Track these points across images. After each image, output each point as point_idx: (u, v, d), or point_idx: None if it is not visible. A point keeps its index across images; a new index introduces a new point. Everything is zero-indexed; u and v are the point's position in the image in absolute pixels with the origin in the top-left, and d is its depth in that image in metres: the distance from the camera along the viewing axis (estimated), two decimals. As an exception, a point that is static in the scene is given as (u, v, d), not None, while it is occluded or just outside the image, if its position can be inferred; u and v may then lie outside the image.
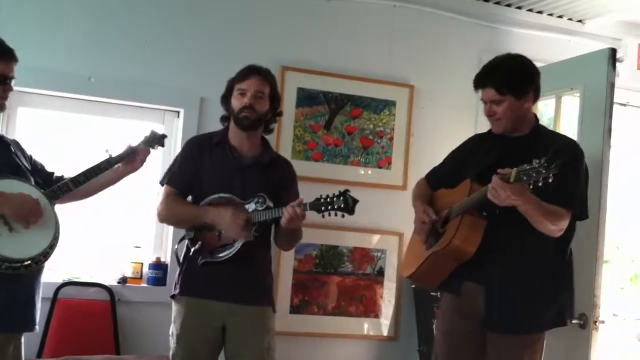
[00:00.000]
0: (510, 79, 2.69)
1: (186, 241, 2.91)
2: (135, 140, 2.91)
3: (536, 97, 2.78)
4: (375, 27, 3.96)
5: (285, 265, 3.71)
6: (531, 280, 2.67)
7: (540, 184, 2.33)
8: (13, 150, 2.61)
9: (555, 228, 2.58)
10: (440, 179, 3.01)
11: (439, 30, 4.04)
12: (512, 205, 2.47)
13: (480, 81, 2.76)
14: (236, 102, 2.91)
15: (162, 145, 2.98)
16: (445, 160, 3.09)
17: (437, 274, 2.82)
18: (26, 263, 2.34)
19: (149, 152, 2.89)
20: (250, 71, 2.93)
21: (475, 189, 2.66)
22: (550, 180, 2.32)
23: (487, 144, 2.86)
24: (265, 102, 2.93)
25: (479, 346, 2.76)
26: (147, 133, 2.94)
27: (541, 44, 4.15)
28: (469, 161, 2.87)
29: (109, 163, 2.67)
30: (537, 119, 2.85)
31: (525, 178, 2.34)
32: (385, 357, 3.88)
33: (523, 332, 2.69)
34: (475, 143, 2.97)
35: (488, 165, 2.66)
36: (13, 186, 2.40)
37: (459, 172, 2.87)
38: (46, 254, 2.39)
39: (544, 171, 2.29)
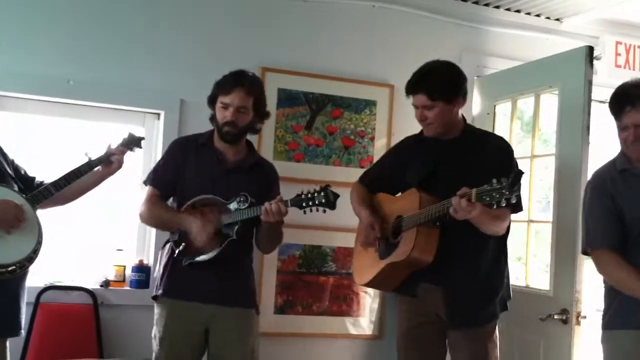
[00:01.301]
0: (441, 85, 2.80)
1: (170, 243, 2.91)
2: (114, 142, 2.91)
3: (464, 101, 2.90)
4: (355, 27, 3.98)
5: (268, 265, 3.71)
6: (482, 276, 2.81)
7: (503, 205, 2.40)
8: None
9: (501, 229, 2.76)
10: (378, 182, 3.09)
11: (419, 30, 4.06)
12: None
13: (412, 87, 2.85)
14: (219, 115, 2.90)
15: (140, 147, 2.98)
16: (380, 163, 3.19)
17: (393, 280, 2.95)
18: (11, 268, 2.33)
19: (125, 154, 2.88)
20: (235, 84, 2.87)
21: (425, 199, 2.75)
22: (513, 202, 2.40)
23: (423, 148, 2.96)
24: (248, 115, 2.92)
25: (438, 344, 2.92)
26: (125, 135, 2.94)
27: (520, 42, 4.19)
28: (407, 166, 2.96)
29: (89, 166, 2.67)
30: (465, 121, 2.96)
31: (487, 199, 2.42)
32: (370, 356, 3.90)
33: (482, 323, 2.83)
34: (410, 147, 3.05)
35: (429, 172, 2.84)
36: None
37: (397, 176, 2.98)
38: (30, 258, 2.38)
39: (507, 192, 2.37)
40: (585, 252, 2.75)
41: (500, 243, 2.86)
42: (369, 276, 3.00)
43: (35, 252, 2.40)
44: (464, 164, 2.78)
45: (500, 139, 3.05)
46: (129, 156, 2.95)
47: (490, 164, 2.65)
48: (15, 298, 2.44)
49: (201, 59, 3.60)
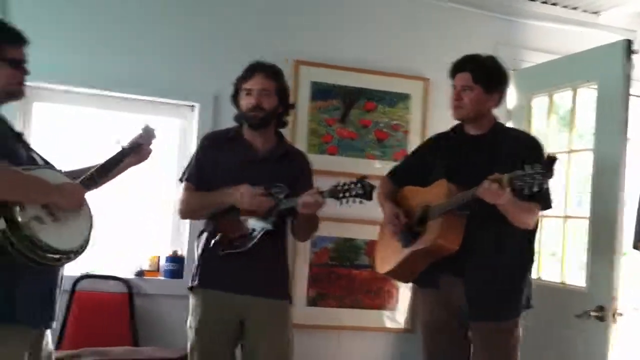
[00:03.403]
0: (487, 71, 2.88)
1: (205, 234, 2.93)
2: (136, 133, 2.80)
3: (500, 100, 2.93)
4: (389, 20, 3.96)
5: (301, 257, 3.72)
6: (506, 269, 2.80)
7: (535, 190, 2.41)
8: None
9: (530, 221, 2.75)
10: (405, 177, 3.11)
11: (454, 23, 4.03)
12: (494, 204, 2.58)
13: (459, 65, 2.92)
14: (244, 102, 2.93)
15: (155, 137, 2.83)
16: (408, 159, 3.25)
17: (414, 269, 2.95)
18: (72, 254, 2.30)
19: (150, 144, 2.76)
20: (255, 70, 2.94)
21: (452, 190, 2.76)
22: (545, 187, 2.42)
23: (451, 143, 2.99)
24: (272, 99, 2.94)
25: (461, 336, 2.90)
26: (143, 126, 2.79)
27: (556, 36, 4.13)
28: (434, 160, 2.98)
29: (123, 154, 2.65)
30: (495, 119, 2.97)
31: (520, 184, 2.43)
32: (402, 350, 3.89)
33: (505, 318, 2.81)
34: (438, 142, 3.09)
35: (456, 166, 2.85)
36: (49, 175, 2.34)
37: (424, 171, 2.99)
38: (86, 243, 2.36)
39: (540, 178, 2.38)
40: (636, 247, 2.73)
41: (527, 239, 2.85)
42: (390, 265, 3.00)
43: (90, 237, 2.39)
44: (492, 160, 2.78)
45: (530, 135, 3.04)
46: (154, 146, 2.89)
47: (519, 159, 2.61)
48: (57, 288, 2.41)
49: (235, 52, 3.60)
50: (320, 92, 3.82)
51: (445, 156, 2.95)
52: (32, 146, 2.49)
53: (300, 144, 3.67)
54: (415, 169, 3.08)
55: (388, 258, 3.04)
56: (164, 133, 2.81)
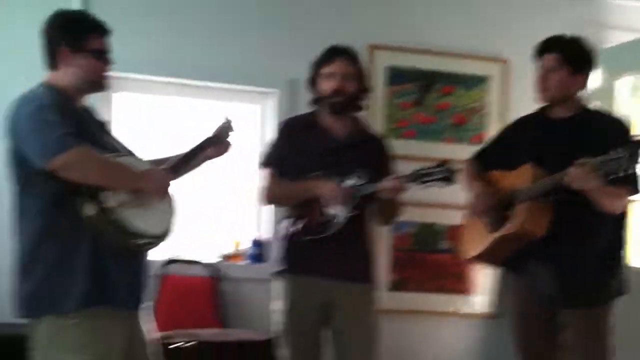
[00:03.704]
0: (574, 52, 2.81)
1: (289, 219, 2.96)
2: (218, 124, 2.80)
3: (585, 83, 2.84)
4: (465, 0, 3.91)
5: (383, 243, 3.70)
6: (596, 255, 2.74)
7: (622, 174, 2.38)
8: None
9: (618, 206, 2.68)
10: (490, 161, 3.05)
11: (535, 2, 3.94)
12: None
13: (544, 46, 2.85)
14: (325, 87, 2.93)
15: (233, 130, 2.81)
16: (492, 142, 3.17)
17: (501, 255, 2.91)
18: (156, 239, 2.34)
19: (229, 137, 2.75)
20: (335, 53, 2.94)
21: (538, 174, 2.72)
22: (633, 172, 2.38)
23: (536, 127, 2.92)
24: (353, 83, 2.94)
25: (551, 323, 2.85)
26: (224, 119, 2.78)
27: (642, 14, 3.98)
28: (518, 144, 2.93)
29: (203, 145, 2.69)
30: (581, 102, 2.89)
31: (606, 169, 2.39)
32: (486, 335, 3.86)
33: (596, 304, 2.77)
34: (523, 125, 3.03)
35: (541, 150, 2.80)
36: (134, 162, 2.39)
37: (508, 154, 2.94)
38: (170, 229, 2.40)
39: (625, 163, 2.35)
40: None
41: (617, 225, 2.78)
42: (477, 250, 2.97)
43: (174, 222, 2.43)
44: (578, 144, 2.72)
45: (619, 118, 2.94)
46: (234, 137, 2.84)
47: (606, 142, 2.56)
48: (140, 272, 2.42)
49: (312, 37, 3.60)
50: (396, 76, 3.81)
51: (531, 140, 2.90)
52: (115, 135, 2.54)
53: (376, 129, 3.66)
54: (500, 152, 3.04)
55: (474, 243, 3.01)
56: (243, 119, 2.83)
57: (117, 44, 2.48)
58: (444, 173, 2.73)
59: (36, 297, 2.24)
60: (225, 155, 2.76)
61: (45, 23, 2.37)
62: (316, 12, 3.75)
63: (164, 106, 3.74)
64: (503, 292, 3.76)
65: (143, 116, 3.69)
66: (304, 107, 3.35)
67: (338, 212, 2.86)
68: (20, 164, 2.24)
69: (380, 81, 3.77)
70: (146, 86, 3.65)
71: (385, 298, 3.61)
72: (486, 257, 3.00)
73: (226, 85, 3.69)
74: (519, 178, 2.83)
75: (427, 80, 3.84)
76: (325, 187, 2.84)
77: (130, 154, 2.49)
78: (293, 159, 2.97)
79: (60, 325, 2.22)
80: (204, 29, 3.62)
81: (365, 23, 3.79)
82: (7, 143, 2.27)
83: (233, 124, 2.76)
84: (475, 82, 3.88)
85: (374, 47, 3.75)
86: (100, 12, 2.57)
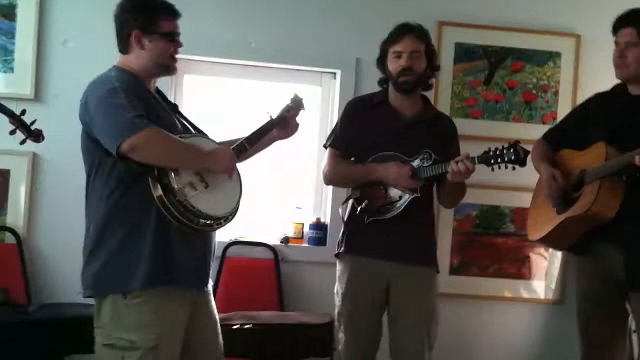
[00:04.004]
0: None
1: (351, 200, 2.94)
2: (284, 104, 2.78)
3: None
4: (538, -27, 3.74)
5: (444, 225, 3.65)
6: None
7: None
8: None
9: None
10: (562, 139, 2.96)
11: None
12: None
13: (621, 20, 2.75)
14: (393, 66, 2.87)
15: (304, 108, 2.81)
16: (565, 120, 3.07)
17: (568, 237, 2.83)
18: (222, 220, 2.35)
19: (297, 116, 2.76)
20: (404, 31, 2.87)
21: (611, 153, 2.63)
22: None
23: (611, 104, 2.80)
24: (422, 61, 2.87)
25: (620, 307, 2.78)
26: (292, 96, 2.78)
27: None
28: (594, 122, 2.81)
29: (271, 125, 2.67)
30: None
31: None
32: (550, 321, 3.75)
33: None
34: (597, 103, 2.91)
35: (616, 128, 2.70)
36: (202, 142, 2.39)
37: (582, 132, 2.83)
38: (236, 210, 2.41)
39: None
40: None
41: None
42: (543, 231, 2.89)
43: (240, 203, 2.44)
44: None
45: None
46: (301, 117, 2.84)
47: None
48: (206, 252, 2.48)
49: (377, 16, 3.53)
50: (464, 53, 3.69)
51: (606, 118, 2.78)
52: (186, 116, 2.56)
53: (444, 108, 3.57)
54: (573, 131, 2.94)
55: (541, 224, 2.93)
56: (307, 100, 2.79)
57: (187, 27, 2.48)
58: (515, 154, 2.65)
59: (102, 276, 2.28)
60: (293, 136, 2.75)
61: (117, 6, 2.39)
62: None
63: (231, 89, 3.75)
64: (568, 277, 3.66)
65: (209, 99, 3.71)
66: (367, 87, 3.31)
67: (402, 193, 2.81)
68: (92, 147, 2.28)
69: (449, 58, 3.67)
70: (214, 69, 3.66)
71: (446, 282, 3.54)
72: (552, 239, 2.91)
73: (291, 67, 3.66)
74: (591, 157, 2.74)
75: (497, 57, 3.71)
76: (390, 169, 2.80)
77: (200, 133, 2.50)
78: (359, 139, 2.95)
79: (125, 304, 2.25)
80: (269, 12, 3.59)
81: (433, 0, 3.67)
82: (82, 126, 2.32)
83: (303, 102, 2.73)
84: (547, 58, 3.72)
85: (443, 24, 3.64)
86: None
